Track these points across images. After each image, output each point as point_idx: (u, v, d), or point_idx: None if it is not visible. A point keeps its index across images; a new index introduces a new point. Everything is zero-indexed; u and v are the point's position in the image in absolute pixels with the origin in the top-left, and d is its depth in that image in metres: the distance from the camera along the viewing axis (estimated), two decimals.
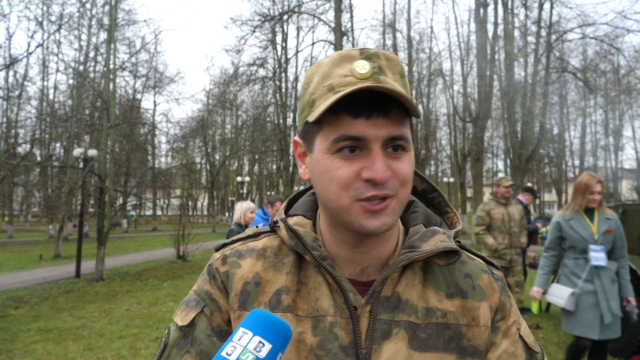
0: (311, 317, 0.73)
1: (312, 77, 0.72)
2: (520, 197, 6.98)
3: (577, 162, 39.99)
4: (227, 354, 0.56)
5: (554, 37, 19.26)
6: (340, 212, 0.69)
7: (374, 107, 0.65)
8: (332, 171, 0.67)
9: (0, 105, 28.73)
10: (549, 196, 53.50)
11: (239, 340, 0.58)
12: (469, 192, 36.01)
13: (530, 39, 19.28)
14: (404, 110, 0.68)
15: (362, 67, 0.67)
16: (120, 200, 15.87)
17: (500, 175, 49.47)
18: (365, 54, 0.68)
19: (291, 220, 0.79)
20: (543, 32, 18.93)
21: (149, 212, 48.05)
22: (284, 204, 0.85)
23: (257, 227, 0.86)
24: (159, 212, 44.61)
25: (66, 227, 23.31)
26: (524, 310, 6.59)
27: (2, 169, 9.69)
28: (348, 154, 0.66)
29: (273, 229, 0.82)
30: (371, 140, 0.65)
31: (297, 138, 0.77)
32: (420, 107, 25.86)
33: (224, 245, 0.83)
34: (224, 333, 0.77)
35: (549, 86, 19.83)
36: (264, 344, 0.58)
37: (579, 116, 36.16)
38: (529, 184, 27.36)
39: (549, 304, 6.98)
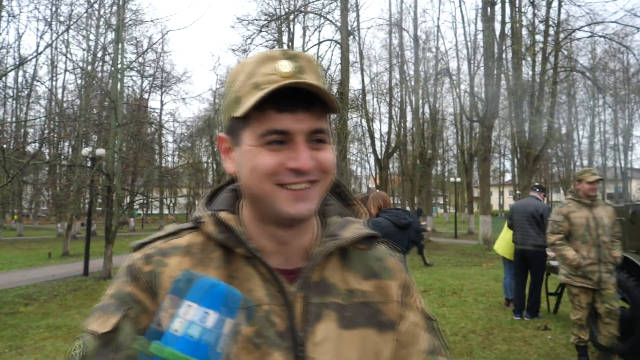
0: (245, 308, 0.72)
1: (236, 75, 0.75)
2: (537, 195, 6.69)
3: (585, 162, 39.72)
4: (174, 330, 0.57)
5: (562, 35, 19.10)
6: (264, 199, 0.73)
7: (297, 102, 0.70)
8: (257, 161, 0.71)
9: (10, 105, 28.99)
10: (557, 196, 53.12)
11: (184, 314, 0.58)
12: (476, 192, 35.87)
13: (538, 37, 19.13)
14: (324, 106, 0.72)
15: (285, 66, 0.72)
16: (128, 199, 15.96)
17: (508, 174, 49.24)
18: (287, 55, 0.73)
19: (218, 213, 0.79)
20: (551, 31, 18.78)
21: (155, 211, 48.24)
22: (203, 201, 0.85)
23: (173, 224, 0.85)
24: (165, 211, 44.73)
25: (74, 225, 23.45)
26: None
27: (12, 168, 9.78)
28: (275, 146, 0.71)
29: (195, 226, 0.80)
30: (296, 133, 0.70)
31: (222, 134, 0.80)
32: (426, 107, 25.88)
33: (143, 245, 0.80)
34: None
35: (557, 85, 19.70)
36: (208, 313, 0.58)
37: (587, 115, 35.98)
38: (537, 184, 27.16)
39: (557, 305, 6.94)
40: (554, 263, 6.64)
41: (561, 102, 25.31)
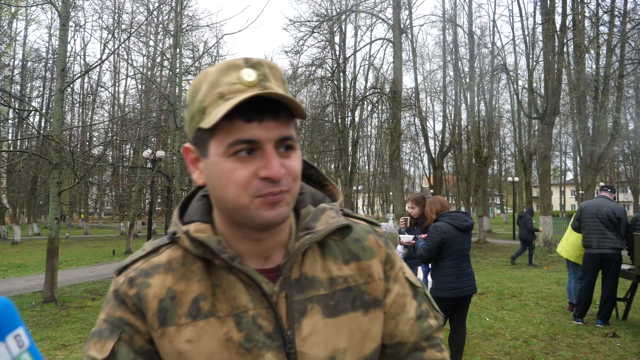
0: (233, 316, 0.77)
1: (199, 85, 0.75)
2: (608, 196, 6.29)
3: None
4: None
5: (629, 25, 18.03)
6: (239, 210, 0.73)
7: (265, 111, 0.71)
8: (229, 173, 0.71)
9: (77, 110, 30.68)
10: (624, 196, 50.31)
11: None
12: (535, 192, 34.50)
13: (603, 29, 18.16)
14: (290, 112, 0.74)
15: (249, 74, 0.72)
16: None
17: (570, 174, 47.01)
18: (250, 63, 0.73)
19: (191, 228, 0.79)
20: (617, 21, 17.78)
21: None
22: (176, 213, 0.85)
23: (151, 242, 0.87)
24: None
25: (136, 224, 24.49)
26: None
27: (79, 170, 10.34)
28: (245, 156, 0.71)
29: (173, 240, 0.81)
30: (264, 142, 0.71)
31: (188, 145, 0.80)
32: (482, 104, 25.15)
33: (125, 268, 0.82)
34: (149, 352, 0.77)
35: (624, 79, 18.62)
36: None
37: None
38: (602, 184, 25.81)
39: (627, 311, 6.57)
40: (624, 267, 6.30)
41: (628, 96, 23.85)
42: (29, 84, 27.67)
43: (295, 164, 0.75)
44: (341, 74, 23.10)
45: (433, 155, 25.54)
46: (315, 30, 21.72)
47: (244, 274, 0.77)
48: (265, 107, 0.71)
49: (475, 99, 24.10)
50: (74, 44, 31.46)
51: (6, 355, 0.59)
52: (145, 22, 20.83)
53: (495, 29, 28.86)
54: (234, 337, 0.76)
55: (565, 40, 17.83)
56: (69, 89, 23.20)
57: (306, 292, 0.81)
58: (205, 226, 0.80)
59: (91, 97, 29.76)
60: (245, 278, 0.78)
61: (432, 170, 26.10)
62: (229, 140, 0.71)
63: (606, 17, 17.93)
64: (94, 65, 13.14)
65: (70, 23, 17.15)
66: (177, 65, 14.12)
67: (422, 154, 36.84)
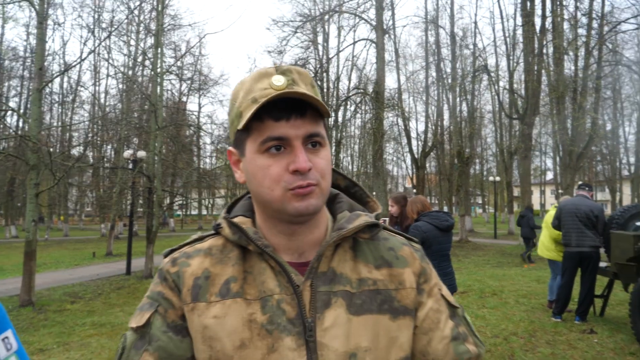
0: (259, 299, 0.82)
1: (237, 93, 0.84)
2: (586, 194, 6.39)
3: (632, 160, 38.09)
4: None
5: (606, 28, 18.37)
6: (274, 202, 0.80)
7: (292, 110, 0.78)
8: (264, 169, 0.79)
9: (56, 110, 30.17)
10: (602, 195, 51.23)
11: None
12: (516, 192, 34.94)
13: (581, 31, 18.46)
14: (317, 112, 0.80)
15: (278, 80, 0.79)
16: (168, 200, 16.33)
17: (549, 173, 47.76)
18: (280, 70, 0.81)
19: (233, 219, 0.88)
20: (595, 24, 18.10)
21: (194, 212, 49.24)
22: (225, 209, 0.95)
23: (199, 232, 0.96)
24: (204, 212, 45.61)
25: (117, 226, 24.17)
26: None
27: (58, 170, 10.17)
28: (275, 152, 0.79)
29: (216, 232, 0.90)
30: (292, 139, 0.78)
31: (230, 148, 0.89)
32: (464, 105, 25.41)
33: (172, 251, 0.91)
34: (180, 327, 0.84)
35: (601, 80, 18.96)
36: None
37: (634, 111, 34.29)
38: (580, 182, 26.20)
39: (603, 307, 6.69)
40: (601, 264, 6.41)
41: (605, 97, 24.30)
42: (6, 83, 27.10)
43: (322, 162, 0.81)
44: (324, 74, 23.09)
45: (416, 155, 25.72)
46: (298, 31, 21.68)
47: (274, 260, 0.83)
48: (293, 107, 0.78)
49: (457, 99, 24.32)
50: (53, 42, 30.86)
51: None
52: (125, 20, 20.60)
53: (477, 30, 29.21)
54: (257, 318, 0.81)
55: (544, 42, 18.10)
56: (48, 89, 22.80)
57: (332, 286, 0.84)
58: (246, 220, 0.88)
59: (71, 97, 29.26)
60: (275, 265, 0.83)
61: (414, 170, 26.27)
62: (261, 138, 0.79)
63: (584, 20, 18.25)
64: (73, 64, 12.97)
65: (49, 21, 16.87)
66: (159, 64, 13.97)
67: (404, 154, 37.02)
